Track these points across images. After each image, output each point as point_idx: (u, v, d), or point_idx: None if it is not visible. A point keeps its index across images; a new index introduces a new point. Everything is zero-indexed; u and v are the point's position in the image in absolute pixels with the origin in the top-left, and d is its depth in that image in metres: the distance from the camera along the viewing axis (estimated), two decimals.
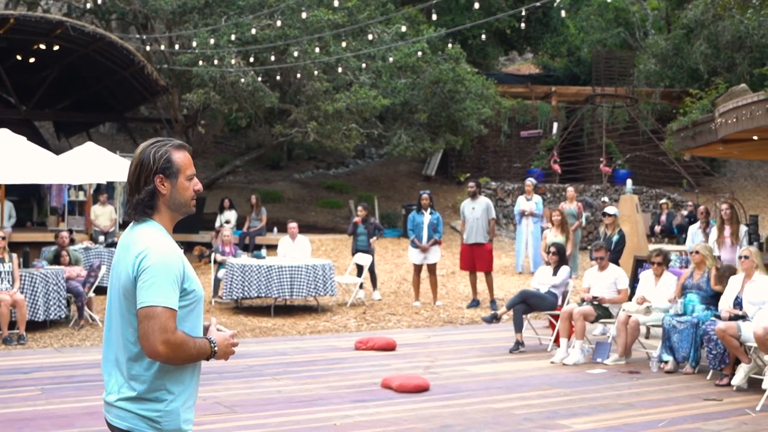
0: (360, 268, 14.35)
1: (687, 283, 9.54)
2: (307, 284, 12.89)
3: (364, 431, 6.79)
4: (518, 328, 10.44)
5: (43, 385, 8.20)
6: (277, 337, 11.59)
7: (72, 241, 13.42)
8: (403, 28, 19.75)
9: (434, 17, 18.05)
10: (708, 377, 8.91)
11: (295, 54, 17.82)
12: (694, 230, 12.11)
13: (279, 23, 17.89)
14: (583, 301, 10.30)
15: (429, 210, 13.90)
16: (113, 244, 14.73)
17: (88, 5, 20.92)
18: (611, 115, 24.90)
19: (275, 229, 17.64)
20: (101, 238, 15.50)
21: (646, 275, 10.19)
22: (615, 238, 11.67)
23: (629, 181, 17.15)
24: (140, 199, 2.99)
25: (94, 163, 15.18)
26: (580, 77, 29.18)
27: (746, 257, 8.86)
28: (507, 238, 20.60)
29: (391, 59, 19.96)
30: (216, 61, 18.19)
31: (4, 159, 12.41)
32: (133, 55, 18.79)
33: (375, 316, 13.19)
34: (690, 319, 9.19)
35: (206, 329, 3.09)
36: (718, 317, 8.82)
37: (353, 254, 14.54)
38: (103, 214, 16.82)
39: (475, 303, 13.94)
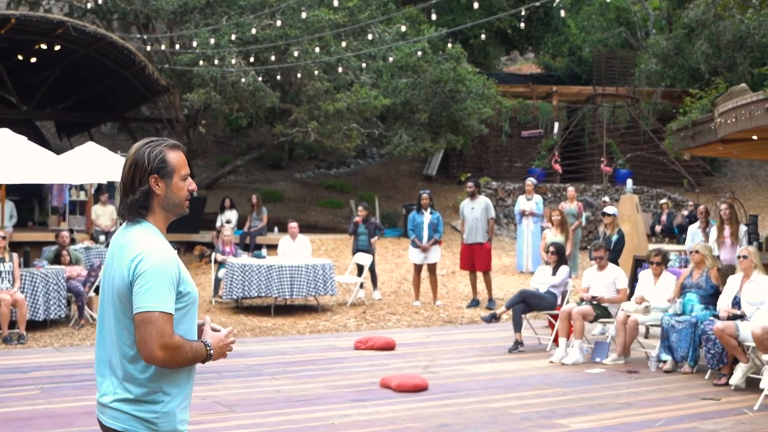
0: (360, 268, 14.37)
1: (686, 283, 9.55)
2: (307, 284, 12.91)
3: (363, 430, 6.81)
4: (517, 327, 10.46)
5: (42, 385, 8.22)
6: (277, 336, 11.61)
7: (73, 241, 13.45)
8: (404, 28, 19.75)
9: (434, 17, 18.06)
10: (706, 377, 8.93)
11: (296, 54, 17.83)
12: (694, 230, 12.12)
13: (279, 23, 17.90)
14: (582, 300, 10.32)
15: (429, 210, 13.92)
16: None
17: (89, 5, 20.93)
18: (612, 115, 24.89)
19: (276, 229, 17.66)
20: (102, 238, 15.53)
21: (645, 275, 10.21)
22: (614, 237, 11.68)
23: (629, 181, 17.15)
24: (135, 200, 2.96)
25: (95, 163, 15.20)
26: (581, 77, 29.17)
27: (745, 257, 8.88)
28: (507, 237, 20.60)
29: (391, 59, 19.97)
30: (217, 61, 18.20)
31: (5, 159, 12.44)
32: (134, 55, 18.81)
33: (375, 315, 13.21)
34: (689, 318, 9.20)
35: (200, 328, 3.07)
36: (717, 317, 8.84)
37: (354, 254, 14.56)
38: (104, 214, 16.85)
39: (475, 303, 13.96)
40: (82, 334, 11.17)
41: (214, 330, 3.07)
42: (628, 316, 9.68)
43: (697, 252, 9.58)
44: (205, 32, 18.30)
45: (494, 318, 10.81)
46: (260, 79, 18.58)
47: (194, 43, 18.48)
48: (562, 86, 27.30)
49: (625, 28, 29.25)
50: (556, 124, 25.15)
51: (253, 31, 18.17)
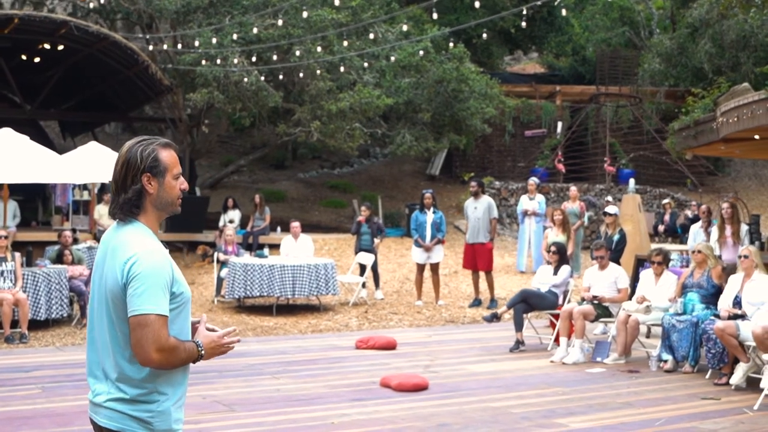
0: (363, 268, 14.38)
1: (687, 282, 9.54)
2: (309, 283, 12.92)
3: (362, 430, 6.81)
4: (518, 327, 10.46)
5: (43, 384, 8.24)
6: (279, 336, 11.63)
7: (76, 241, 13.48)
8: (407, 28, 19.76)
9: (435, 16, 18.05)
10: (707, 376, 8.92)
11: (299, 53, 17.85)
12: (696, 229, 12.09)
13: (282, 23, 17.92)
14: (583, 300, 10.32)
15: (432, 209, 13.91)
16: None
17: (93, 5, 20.95)
18: (615, 115, 24.87)
19: (279, 229, 17.68)
20: None
21: (646, 274, 10.20)
22: (616, 237, 11.67)
23: (632, 181, 17.12)
24: (127, 199, 2.94)
25: (98, 163, 15.20)
26: (584, 76, 29.13)
27: (746, 257, 8.87)
28: (510, 237, 20.59)
29: (394, 58, 19.97)
30: (219, 61, 18.22)
31: (8, 159, 12.47)
32: (138, 55, 18.84)
33: (377, 315, 13.22)
34: (689, 318, 9.19)
35: (195, 326, 3.05)
36: (718, 316, 8.83)
37: (356, 253, 14.57)
38: (107, 214, 16.86)
39: (477, 302, 13.96)
40: (84, 334, 11.11)
41: (209, 330, 3.06)
42: (629, 316, 9.67)
43: (699, 252, 9.57)
44: (208, 32, 18.33)
45: (495, 318, 10.81)
46: (263, 78, 18.60)
47: (197, 43, 18.51)
48: (566, 86, 27.27)
49: (629, 27, 29.22)
50: (560, 124, 25.14)
51: (256, 30, 18.20)
